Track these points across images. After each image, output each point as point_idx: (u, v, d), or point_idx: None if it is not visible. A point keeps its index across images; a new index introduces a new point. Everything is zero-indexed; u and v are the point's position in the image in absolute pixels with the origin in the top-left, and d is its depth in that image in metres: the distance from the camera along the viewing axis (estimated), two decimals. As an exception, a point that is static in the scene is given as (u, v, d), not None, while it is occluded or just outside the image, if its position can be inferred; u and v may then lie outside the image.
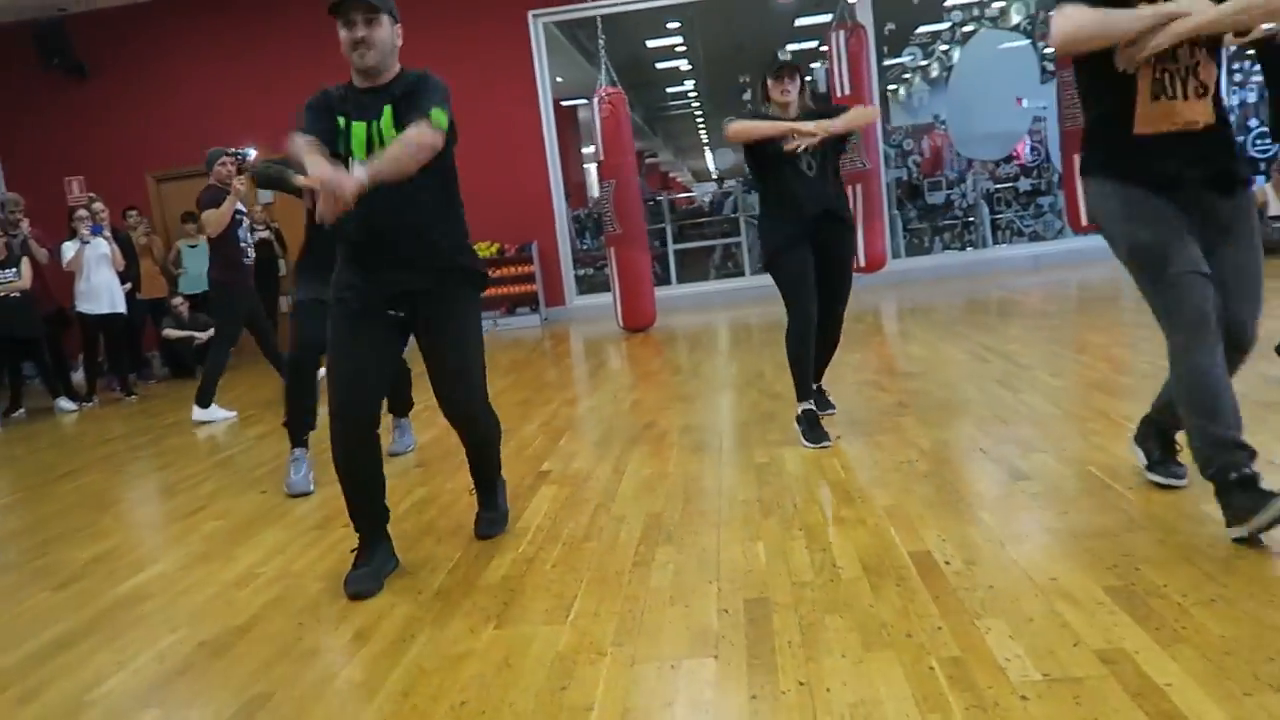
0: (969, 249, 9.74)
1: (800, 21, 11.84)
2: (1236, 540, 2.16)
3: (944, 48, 10.31)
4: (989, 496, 2.75)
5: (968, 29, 9.64)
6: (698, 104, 22.01)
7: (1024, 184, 9.71)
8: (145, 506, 4.00)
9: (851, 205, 4.46)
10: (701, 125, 25.25)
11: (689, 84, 18.85)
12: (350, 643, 2.24)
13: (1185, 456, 2.50)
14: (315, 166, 2.26)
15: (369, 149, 2.51)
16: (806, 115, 3.58)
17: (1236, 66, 9.10)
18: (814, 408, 3.67)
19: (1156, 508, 2.48)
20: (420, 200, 2.55)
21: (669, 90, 20.07)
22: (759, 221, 3.83)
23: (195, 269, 9.50)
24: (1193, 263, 2.22)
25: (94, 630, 2.51)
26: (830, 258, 3.64)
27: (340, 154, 2.53)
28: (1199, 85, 2.27)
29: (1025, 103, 9.35)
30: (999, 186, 9.83)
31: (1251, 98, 9.11)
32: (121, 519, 3.76)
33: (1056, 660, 1.77)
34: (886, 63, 10.05)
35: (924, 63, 10.25)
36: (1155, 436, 2.66)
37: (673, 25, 11.70)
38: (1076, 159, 7.05)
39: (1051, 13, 2.34)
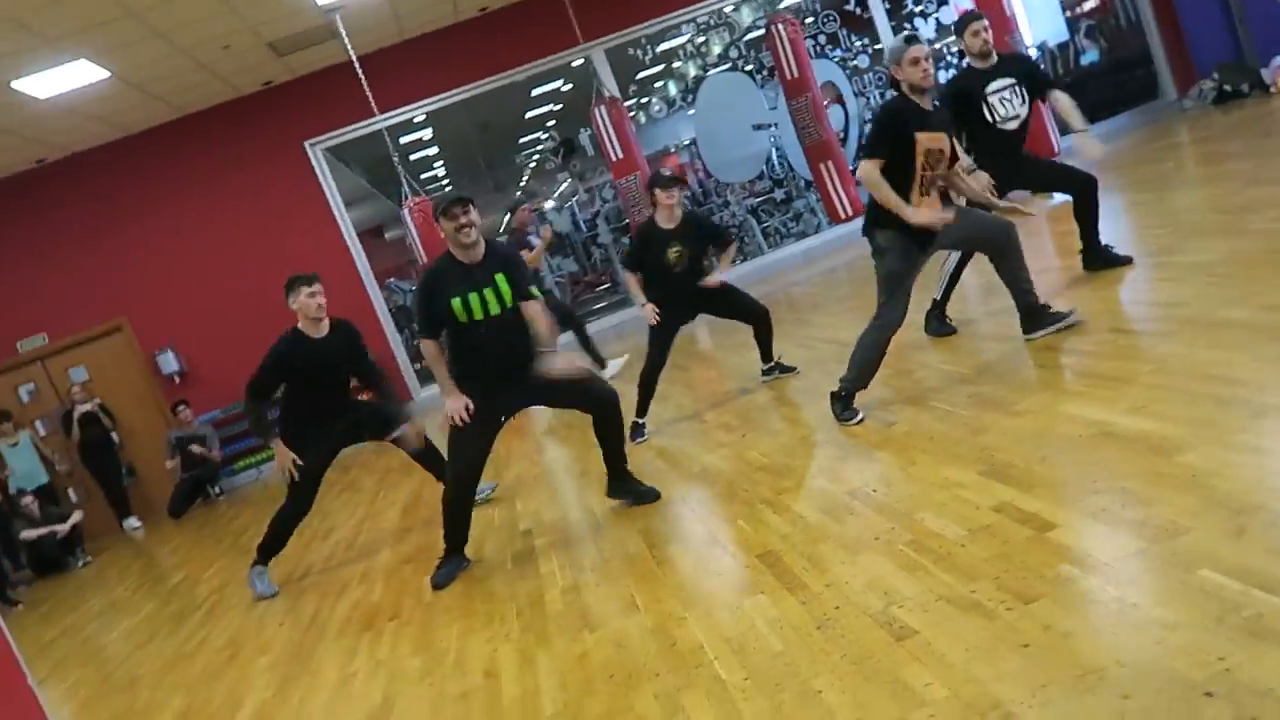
0: (746, 260, 11.15)
1: (536, 91, 12.91)
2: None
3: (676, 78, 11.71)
4: (877, 441, 3.79)
5: (693, 74, 11.11)
6: (448, 183, 22.82)
7: (779, 193, 11.25)
8: (177, 670, 4.29)
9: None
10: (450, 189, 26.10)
11: (439, 168, 19.52)
12: (485, 679, 2.91)
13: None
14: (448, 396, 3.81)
15: (477, 313, 3.72)
16: (687, 225, 5.03)
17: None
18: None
19: (989, 417, 3.59)
20: (529, 337, 3.79)
21: (423, 177, 20.74)
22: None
23: (22, 467, 9.25)
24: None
25: (252, 752, 3.02)
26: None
27: (460, 322, 3.74)
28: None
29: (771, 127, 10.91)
30: (759, 199, 11.33)
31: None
32: (163, 685, 4.08)
33: (970, 521, 2.77)
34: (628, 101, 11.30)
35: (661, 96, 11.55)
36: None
37: (424, 117, 12.34)
38: (821, 165, 8.41)
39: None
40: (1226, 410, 2.86)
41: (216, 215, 9.81)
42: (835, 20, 11.07)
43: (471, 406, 3.75)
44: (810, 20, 10.99)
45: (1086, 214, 5.04)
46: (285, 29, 8.38)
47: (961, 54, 5.16)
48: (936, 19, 11.31)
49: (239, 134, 9.77)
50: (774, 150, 11.12)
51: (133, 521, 9.54)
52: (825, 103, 11.34)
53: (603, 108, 8.85)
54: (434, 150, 16.63)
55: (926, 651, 2.18)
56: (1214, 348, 3.42)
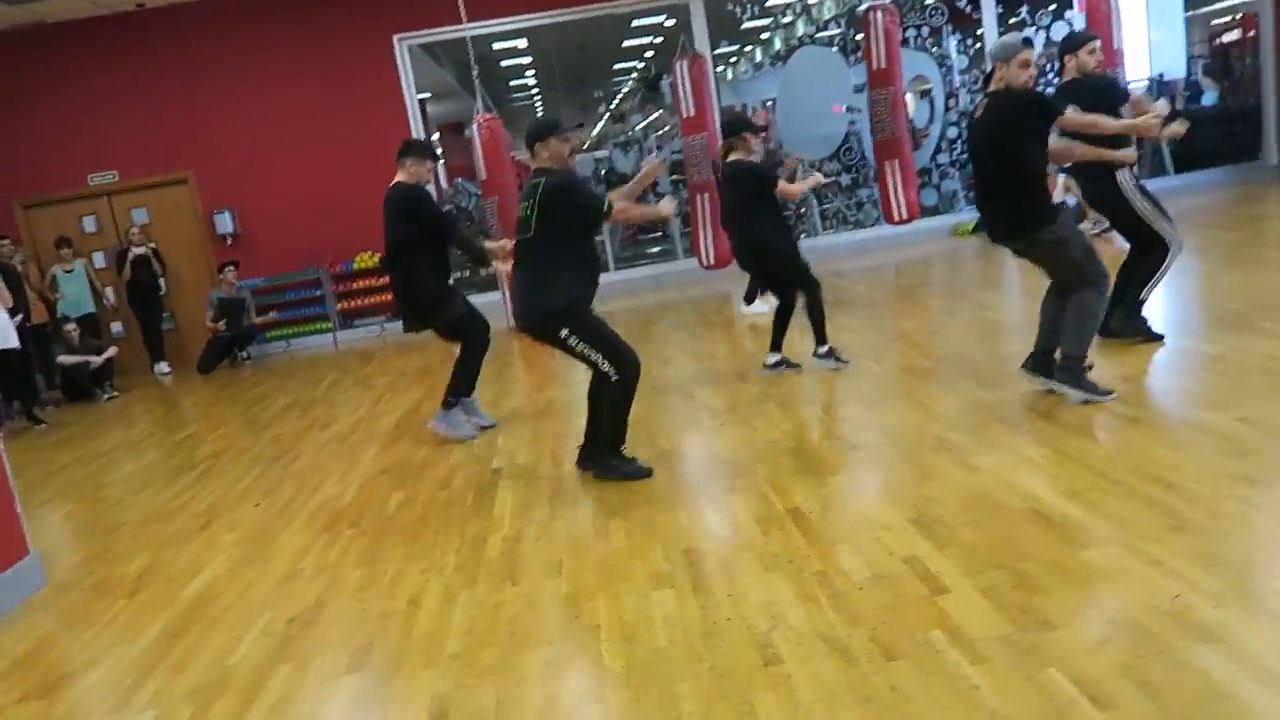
0: (803, 236, 11.12)
1: (637, 23, 12.82)
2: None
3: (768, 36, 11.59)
4: (834, 463, 3.91)
5: (791, 40, 10.97)
6: (538, 94, 22.74)
7: (845, 178, 11.15)
8: (155, 526, 4.63)
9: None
10: (541, 105, 25.92)
11: (530, 76, 19.47)
12: (409, 605, 3.16)
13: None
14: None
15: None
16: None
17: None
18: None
19: (943, 465, 3.69)
20: None
21: (512, 84, 20.73)
22: None
23: (72, 292, 9.75)
24: None
25: (193, 622, 3.31)
26: None
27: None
28: None
29: (844, 109, 10.75)
30: (826, 179, 11.25)
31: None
32: (139, 538, 4.42)
33: (879, 565, 2.91)
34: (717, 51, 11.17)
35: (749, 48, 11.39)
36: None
37: (518, 30, 12.37)
38: (888, 162, 8.34)
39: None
40: (1151, 515, 2.94)
41: (297, 91, 10.03)
42: (944, 15, 10.81)
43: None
44: (917, 10, 10.74)
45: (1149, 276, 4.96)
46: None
47: (1059, 74, 5.06)
48: (1048, 33, 10.98)
49: (332, 16, 9.93)
50: (851, 134, 10.98)
51: (163, 366, 10.02)
52: (913, 95, 11.19)
53: (684, 62, 8.82)
54: (527, 60, 16.65)
55: (784, 683, 2.35)
56: (1173, 448, 3.46)
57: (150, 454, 6.19)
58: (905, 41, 10.85)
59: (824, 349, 5.39)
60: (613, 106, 13.92)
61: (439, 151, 5.00)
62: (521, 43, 13.79)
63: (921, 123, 11.07)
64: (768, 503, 3.58)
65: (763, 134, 5.36)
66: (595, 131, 15.02)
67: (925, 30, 10.82)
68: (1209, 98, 12.97)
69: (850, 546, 3.07)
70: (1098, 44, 4.86)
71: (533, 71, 18.82)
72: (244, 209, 10.18)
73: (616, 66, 16.52)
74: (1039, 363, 4.26)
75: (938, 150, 11.04)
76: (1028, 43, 4.00)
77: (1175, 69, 14.45)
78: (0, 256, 8.78)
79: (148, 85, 9.88)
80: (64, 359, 8.83)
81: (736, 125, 5.53)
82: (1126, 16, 14.95)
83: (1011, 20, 11.12)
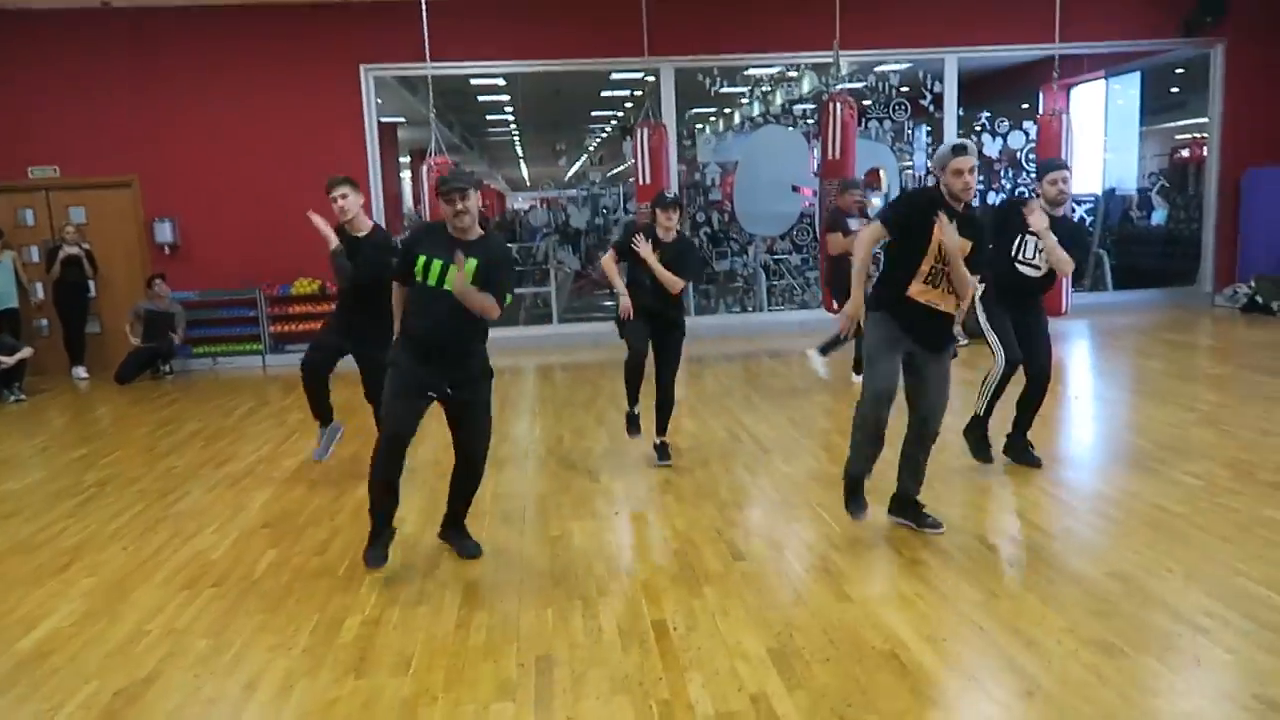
0: (745, 312, 11.20)
1: (615, 75, 12.94)
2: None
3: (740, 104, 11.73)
4: (713, 573, 3.86)
5: (755, 114, 11.12)
6: (515, 130, 22.78)
7: (795, 258, 11.26)
8: (12, 560, 4.43)
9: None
10: (518, 140, 25.95)
11: (509, 111, 19.49)
12: (243, 690, 3.02)
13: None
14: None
15: (435, 281, 3.78)
16: (682, 246, 5.33)
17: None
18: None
19: (818, 591, 3.65)
20: (468, 330, 3.84)
21: (488, 117, 20.79)
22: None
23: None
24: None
25: (14, 684, 3.14)
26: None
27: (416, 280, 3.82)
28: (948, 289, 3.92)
29: (808, 190, 10.89)
30: (775, 258, 11.36)
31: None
32: (-12, 572, 4.23)
33: (725, 701, 2.84)
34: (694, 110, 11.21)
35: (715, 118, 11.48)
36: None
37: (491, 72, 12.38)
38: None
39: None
40: (1004, 676, 2.92)
41: (254, 108, 9.91)
42: (906, 110, 11.03)
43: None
44: (880, 102, 10.95)
45: (1030, 404, 5.09)
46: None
47: (1013, 180, 5.19)
48: (1004, 139, 11.26)
49: (301, 34, 9.85)
50: (805, 215, 11.11)
51: (80, 371, 9.74)
52: (865, 187, 11.37)
53: (646, 129, 8.89)
54: (505, 97, 16.69)
55: (594, 831, 2.26)
56: (1043, 599, 3.46)
57: (36, 473, 5.97)
58: (866, 131, 11.07)
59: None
60: (590, 152, 13.96)
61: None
62: (499, 80, 13.82)
63: (874, 214, 11.23)
64: (636, 611, 3.50)
65: (673, 210, 5.34)
66: (568, 176, 15.05)
67: (887, 124, 11.03)
68: (1158, 215, 13.34)
69: (703, 675, 3.00)
70: (1062, 175, 4.91)
71: (510, 109, 18.91)
72: (186, 220, 9.99)
73: (594, 113, 16.65)
74: (898, 501, 4.35)
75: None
76: (960, 150, 3.95)
77: (1127, 183, 14.92)
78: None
79: (101, 83, 9.71)
80: (-28, 355, 8.53)
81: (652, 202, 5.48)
82: (1086, 126, 15.48)
83: (974, 124, 11.39)
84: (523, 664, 3.13)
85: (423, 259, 3.80)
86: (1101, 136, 15.35)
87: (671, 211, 5.32)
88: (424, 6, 8.41)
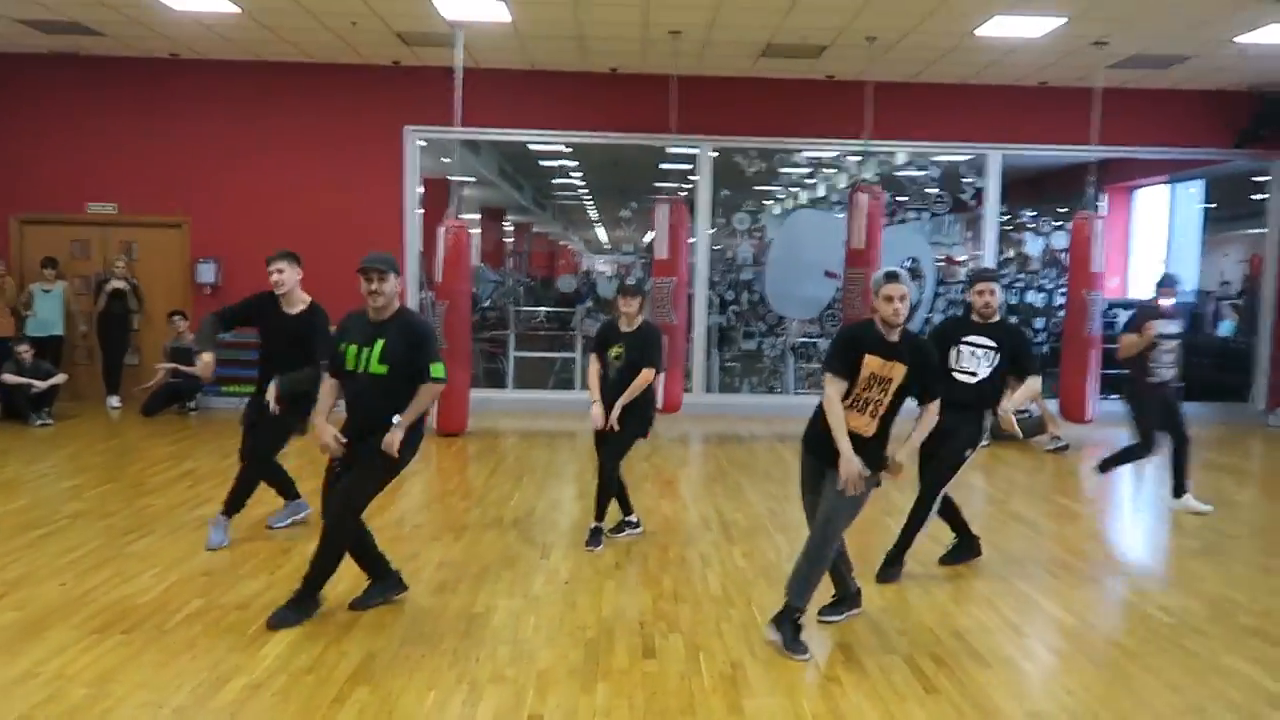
0: (771, 393, 11.04)
1: (672, 150, 13.09)
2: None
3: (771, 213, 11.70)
4: (615, 670, 3.72)
5: (789, 205, 11.11)
6: (585, 189, 23.19)
7: (823, 342, 11.10)
8: (-49, 583, 4.55)
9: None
10: (590, 204, 26.38)
11: (577, 176, 19.85)
12: (94, 748, 3.00)
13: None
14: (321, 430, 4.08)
15: (356, 363, 4.02)
16: (639, 334, 5.34)
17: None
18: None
19: (713, 702, 3.49)
20: (392, 408, 4.03)
21: (555, 181, 21.26)
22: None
23: (45, 313, 9.93)
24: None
25: (-112, 713, 3.18)
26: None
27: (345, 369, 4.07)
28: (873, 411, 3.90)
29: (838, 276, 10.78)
30: (803, 340, 11.23)
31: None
32: (-73, 595, 4.33)
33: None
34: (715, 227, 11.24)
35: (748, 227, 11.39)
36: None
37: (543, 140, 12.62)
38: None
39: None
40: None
41: (301, 161, 10.31)
42: (947, 204, 10.90)
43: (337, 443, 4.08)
44: (919, 193, 10.86)
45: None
46: (412, 26, 8.78)
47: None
48: (1048, 240, 11.02)
49: (350, 94, 10.26)
50: (837, 301, 10.97)
51: (114, 401, 10.09)
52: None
53: (667, 205, 8.95)
54: (574, 163, 17.06)
55: None
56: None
57: (21, 499, 6.14)
58: (903, 222, 10.97)
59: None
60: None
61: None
62: (560, 145, 14.10)
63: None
64: (518, 703, 3.40)
65: (640, 299, 5.40)
66: (646, 240, 15.18)
67: (926, 215, 10.91)
68: (1225, 328, 12.80)
69: (554, 781, 2.87)
70: (988, 286, 5.01)
71: (579, 174, 19.30)
72: (229, 263, 10.37)
73: (656, 184, 16.84)
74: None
75: (921, 332, 10.96)
76: (891, 276, 3.97)
77: (1186, 293, 14.39)
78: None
79: (162, 128, 10.23)
80: (8, 378, 8.90)
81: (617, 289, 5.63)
82: (1149, 231, 15.03)
83: (1017, 220, 11.20)
84: (377, 749, 3.04)
85: (344, 347, 4.06)
86: (1164, 242, 14.94)
87: (630, 298, 5.32)
88: (459, 74, 8.68)
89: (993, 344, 4.95)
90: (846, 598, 4.37)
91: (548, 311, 12.59)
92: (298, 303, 5.22)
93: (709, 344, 10.89)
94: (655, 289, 8.99)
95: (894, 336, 3.98)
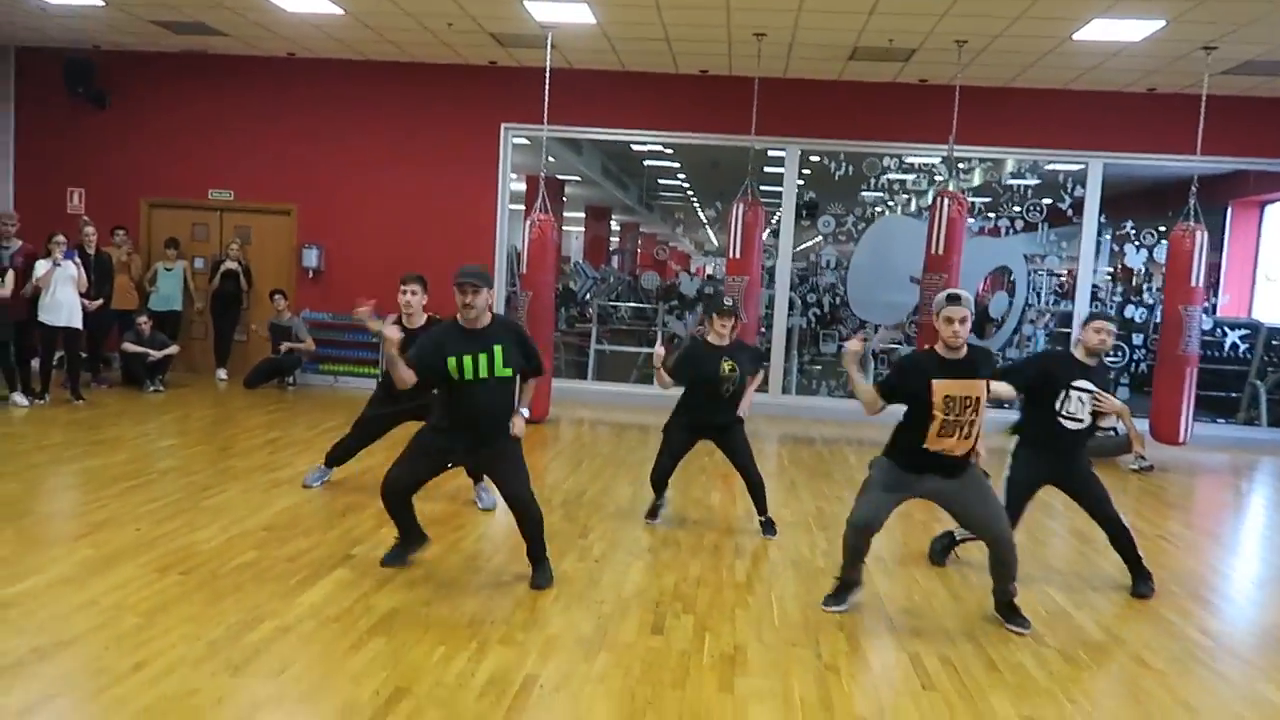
0: (852, 397, 10.93)
1: (773, 153, 13.10)
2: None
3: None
4: (620, 643, 3.85)
5: (877, 209, 10.98)
6: (690, 190, 23.32)
7: (905, 348, 10.94)
8: (44, 525, 5.04)
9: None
10: (696, 205, 26.48)
11: (681, 177, 20.00)
12: (130, 668, 3.32)
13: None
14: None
15: (476, 372, 4.21)
16: (738, 347, 5.61)
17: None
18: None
19: (707, 676, 3.59)
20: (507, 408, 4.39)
21: (660, 182, 21.50)
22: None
23: (166, 289, 10.72)
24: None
25: (-32, 625, 3.59)
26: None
27: (454, 379, 4.22)
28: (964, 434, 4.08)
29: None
30: (888, 347, 11.09)
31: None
32: (19, 533, 4.81)
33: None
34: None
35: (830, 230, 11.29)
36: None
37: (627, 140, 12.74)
38: (923, 347, 8.16)
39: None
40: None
41: (404, 154, 10.80)
42: (1041, 212, 10.59)
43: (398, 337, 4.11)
44: (1016, 204, 10.59)
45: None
46: (505, 28, 9.11)
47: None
48: (1150, 251, 10.57)
49: (450, 92, 10.70)
50: (921, 308, 10.80)
51: (222, 373, 10.81)
52: (986, 287, 10.95)
53: (742, 205, 9.01)
54: (676, 164, 17.24)
55: None
56: (926, 729, 3.26)
57: (121, 455, 6.70)
58: (996, 231, 10.71)
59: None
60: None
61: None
62: (660, 146, 14.29)
63: (997, 313, 10.79)
64: (519, 664, 3.57)
65: (730, 319, 5.53)
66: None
67: (1020, 224, 10.62)
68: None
69: (533, 733, 3.03)
70: (1108, 326, 4.81)
71: (684, 176, 19.48)
72: (331, 248, 10.96)
73: (763, 187, 16.79)
74: (1001, 608, 4.39)
75: (1009, 344, 10.71)
76: (954, 299, 4.04)
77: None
78: (109, 244, 9.86)
79: (278, 122, 10.89)
80: (127, 346, 9.66)
81: (708, 306, 5.75)
82: (1274, 252, 14.17)
83: (1118, 231, 10.78)
84: (378, 692, 3.27)
85: (453, 360, 4.19)
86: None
87: (726, 319, 5.51)
88: (548, 73, 8.98)
89: (1093, 388, 4.74)
90: (854, 585, 4.44)
91: (631, 307, 12.77)
92: (419, 321, 5.59)
93: (788, 345, 10.87)
94: (728, 287, 9.06)
95: (960, 355, 4.08)
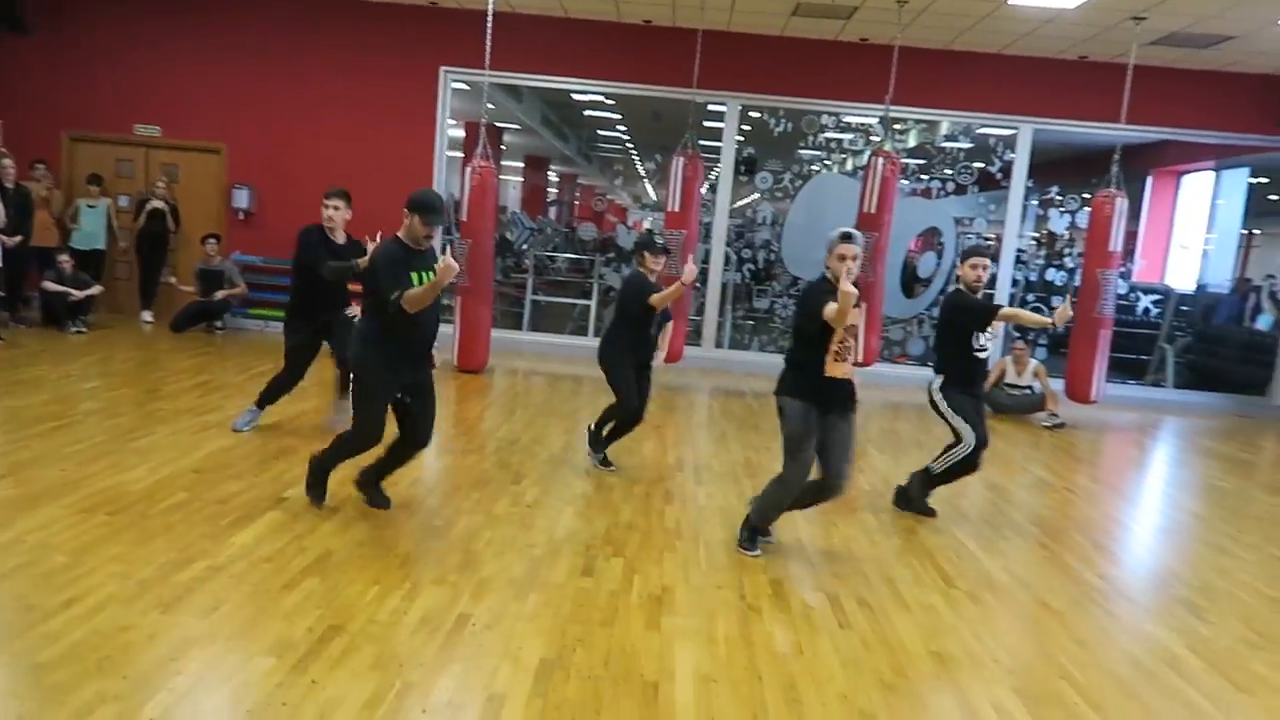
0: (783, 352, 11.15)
1: (712, 107, 13.10)
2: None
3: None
4: (551, 583, 3.97)
5: (814, 167, 11.12)
6: (630, 142, 23.17)
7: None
8: (-35, 462, 4.95)
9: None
10: (636, 158, 26.34)
11: (621, 129, 19.85)
12: (60, 605, 3.32)
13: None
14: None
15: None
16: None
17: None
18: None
19: (634, 614, 3.72)
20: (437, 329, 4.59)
21: (600, 133, 21.31)
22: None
23: (89, 227, 10.38)
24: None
25: (-113, 562, 3.54)
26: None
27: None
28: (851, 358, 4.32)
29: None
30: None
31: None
32: (-59, 470, 4.72)
33: (464, 694, 2.97)
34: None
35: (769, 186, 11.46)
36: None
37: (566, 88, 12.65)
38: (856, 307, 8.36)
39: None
40: (738, 724, 2.94)
41: (338, 94, 10.54)
42: (972, 175, 10.84)
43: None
44: (949, 166, 10.81)
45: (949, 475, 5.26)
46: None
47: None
48: (1073, 216, 10.91)
49: (388, 32, 10.44)
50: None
51: (147, 315, 10.54)
52: (916, 247, 11.21)
53: (682, 158, 9.05)
54: (617, 116, 17.09)
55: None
56: (843, 663, 3.44)
57: (42, 395, 6.54)
58: (928, 193, 10.93)
59: (596, 456, 5.92)
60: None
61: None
62: (602, 97, 14.15)
63: (925, 273, 11.06)
64: (453, 603, 3.66)
65: (663, 256, 5.79)
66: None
67: (951, 186, 10.86)
68: (1264, 321, 12.60)
69: (463, 669, 3.14)
70: (983, 261, 5.22)
71: (623, 128, 19.32)
72: (262, 190, 10.71)
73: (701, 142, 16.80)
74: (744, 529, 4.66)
75: (934, 304, 11.00)
76: (846, 236, 4.15)
77: (1222, 282, 14.15)
78: (28, 179, 9.49)
79: (208, 55, 10.53)
80: (48, 285, 9.36)
81: (639, 243, 5.90)
82: (1188, 220, 14.75)
83: (1044, 197, 11.10)
84: (311, 629, 3.33)
85: (416, 275, 4.31)
86: (1203, 230, 14.66)
87: (661, 257, 5.76)
88: (490, 16, 8.83)
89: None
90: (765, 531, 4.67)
91: (568, 259, 12.78)
92: (341, 236, 5.81)
93: (722, 300, 11.01)
94: (667, 240, 9.12)
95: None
